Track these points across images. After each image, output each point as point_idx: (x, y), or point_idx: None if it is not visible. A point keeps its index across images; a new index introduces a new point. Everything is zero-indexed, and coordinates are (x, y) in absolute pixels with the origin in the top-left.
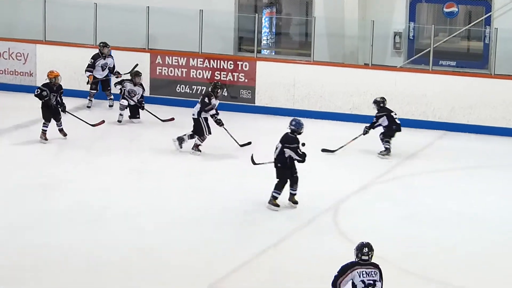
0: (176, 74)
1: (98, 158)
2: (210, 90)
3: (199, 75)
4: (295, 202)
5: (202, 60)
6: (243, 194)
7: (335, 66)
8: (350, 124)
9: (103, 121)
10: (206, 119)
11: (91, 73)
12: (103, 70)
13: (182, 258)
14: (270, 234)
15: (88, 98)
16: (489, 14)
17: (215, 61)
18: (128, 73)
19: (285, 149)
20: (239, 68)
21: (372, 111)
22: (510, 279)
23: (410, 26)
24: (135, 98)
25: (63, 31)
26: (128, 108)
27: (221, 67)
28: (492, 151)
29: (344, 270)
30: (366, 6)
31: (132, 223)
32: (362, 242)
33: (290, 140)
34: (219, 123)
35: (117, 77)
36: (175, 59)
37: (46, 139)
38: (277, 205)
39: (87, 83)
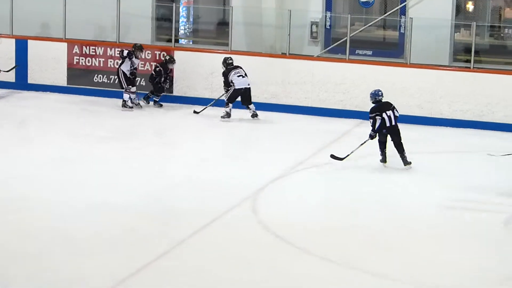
0: (93, 64)
1: (17, 146)
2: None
3: (117, 64)
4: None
5: (119, 49)
6: (163, 181)
7: (253, 55)
8: (267, 113)
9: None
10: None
11: None
12: None
13: (103, 247)
14: (188, 223)
15: None
16: (404, 3)
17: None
18: (7, 71)
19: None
20: (157, 58)
21: (291, 100)
22: (430, 267)
23: (327, 15)
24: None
25: None
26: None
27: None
28: (408, 140)
29: None
30: None
31: (51, 211)
32: None
33: (391, 104)
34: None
35: None
36: (92, 48)
37: None
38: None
39: None
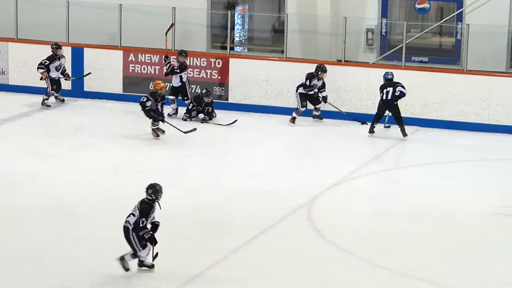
0: (149, 72)
1: (72, 154)
2: (314, 71)
3: None
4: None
5: (175, 57)
6: (215, 190)
7: (307, 62)
8: (323, 120)
9: (195, 129)
10: (301, 94)
11: (44, 70)
12: (57, 70)
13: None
14: (244, 231)
15: (47, 96)
16: (460, 10)
17: (188, 58)
18: (79, 78)
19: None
20: (212, 65)
21: (346, 107)
22: (480, 274)
23: (382, 22)
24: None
25: (35, 29)
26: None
27: (194, 64)
28: (464, 147)
29: (148, 213)
30: (338, 2)
31: (104, 218)
32: (152, 183)
33: (396, 83)
34: (324, 100)
35: (66, 79)
36: (148, 56)
37: (158, 136)
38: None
39: (41, 79)
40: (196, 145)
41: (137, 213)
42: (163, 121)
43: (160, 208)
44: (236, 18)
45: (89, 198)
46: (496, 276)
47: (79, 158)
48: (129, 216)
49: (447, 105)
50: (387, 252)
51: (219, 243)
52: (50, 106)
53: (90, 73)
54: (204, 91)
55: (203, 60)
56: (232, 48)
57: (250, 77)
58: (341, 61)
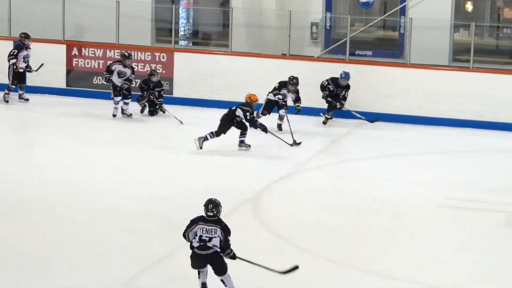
0: (92, 66)
1: (22, 151)
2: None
3: None
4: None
5: (119, 51)
6: (166, 186)
7: (253, 56)
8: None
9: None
10: (268, 100)
11: (16, 60)
12: (24, 61)
13: (109, 250)
14: None
15: (8, 91)
16: (404, 4)
17: (132, 52)
18: (35, 70)
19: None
20: (157, 59)
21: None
22: (437, 265)
23: (327, 16)
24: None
25: None
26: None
27: (139, 58)
28: (409, 140)
29: (192, 222)
30: None
31: (60, 215)
32: (210, 199)
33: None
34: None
35: (28, 71)
36: (91, 50)
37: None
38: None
39: (16, 69)
40: (145, 140)
41: (218, 233)
42: (266, 131)
43: None
44: (180, 12)
45: (40, 194)
46: (447, 267)
47: (29, 154)
48: (209, 240)
49: (392, 98)
50: (336, 245)
51: (167, 240)
52: (8, 101)
53: (43, 64)
54: (149, 71)
55: (148, 54)
56: (176, 42)
57: (195, 71)
58: (286, 55)
